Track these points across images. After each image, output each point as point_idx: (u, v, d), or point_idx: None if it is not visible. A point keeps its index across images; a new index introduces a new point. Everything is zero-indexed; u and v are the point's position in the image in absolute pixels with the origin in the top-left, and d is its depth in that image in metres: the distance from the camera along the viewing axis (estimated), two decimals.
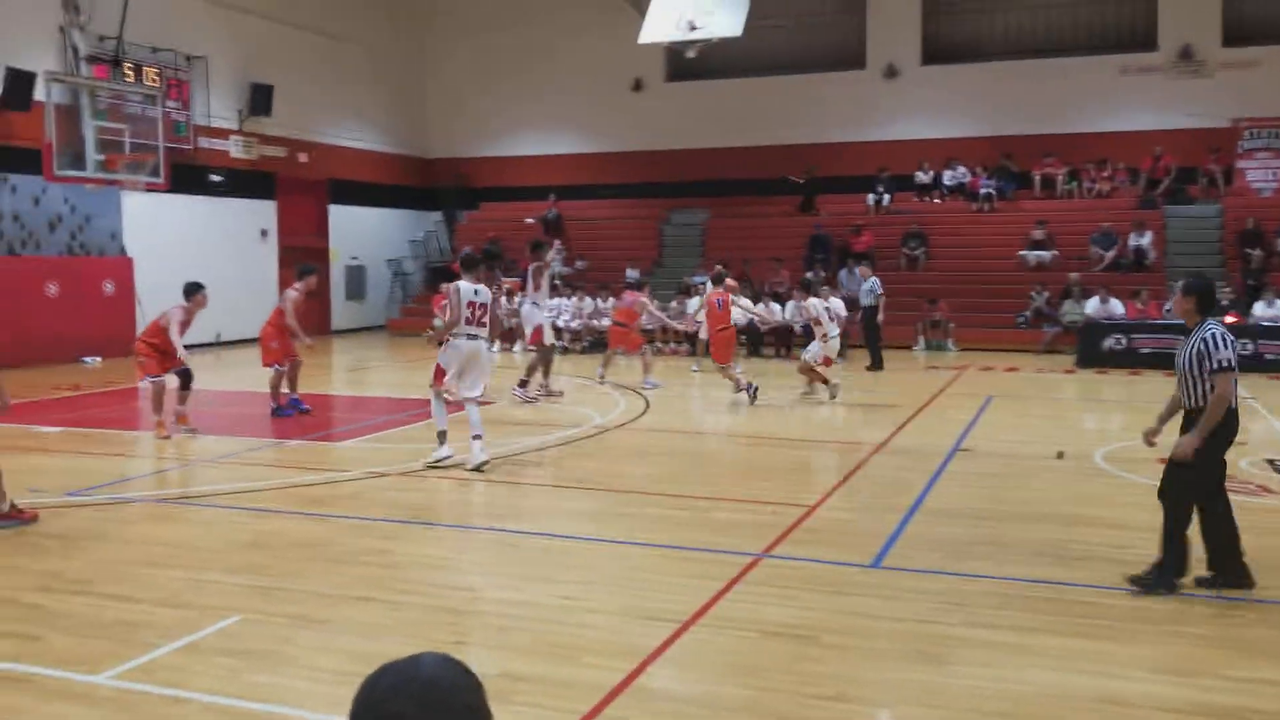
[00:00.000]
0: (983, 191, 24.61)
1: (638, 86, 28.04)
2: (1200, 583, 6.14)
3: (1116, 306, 19.71)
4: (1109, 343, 18.54)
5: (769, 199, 26.57)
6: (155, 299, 20.09)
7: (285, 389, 13.03)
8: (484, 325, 9.68)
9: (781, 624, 5.60)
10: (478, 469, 9.43)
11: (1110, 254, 22.25)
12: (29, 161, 17.73)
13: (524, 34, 28.35)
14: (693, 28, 20.34)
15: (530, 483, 9.33)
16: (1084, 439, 11.57)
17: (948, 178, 25.34)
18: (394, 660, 1.49)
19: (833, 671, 5.01)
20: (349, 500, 8.64)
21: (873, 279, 18.69)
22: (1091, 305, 19.89)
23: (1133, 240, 22.26)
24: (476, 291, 9.63)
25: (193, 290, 11.56)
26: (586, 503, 8.65)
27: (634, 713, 4.58)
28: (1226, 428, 6.02)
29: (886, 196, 25.32)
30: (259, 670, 5.01)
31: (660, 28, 20.95)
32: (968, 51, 26.07)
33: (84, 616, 5.76)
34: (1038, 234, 23.03)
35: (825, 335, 14.26)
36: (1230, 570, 6.11)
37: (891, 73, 26.01)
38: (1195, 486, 6.09)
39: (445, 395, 9.92)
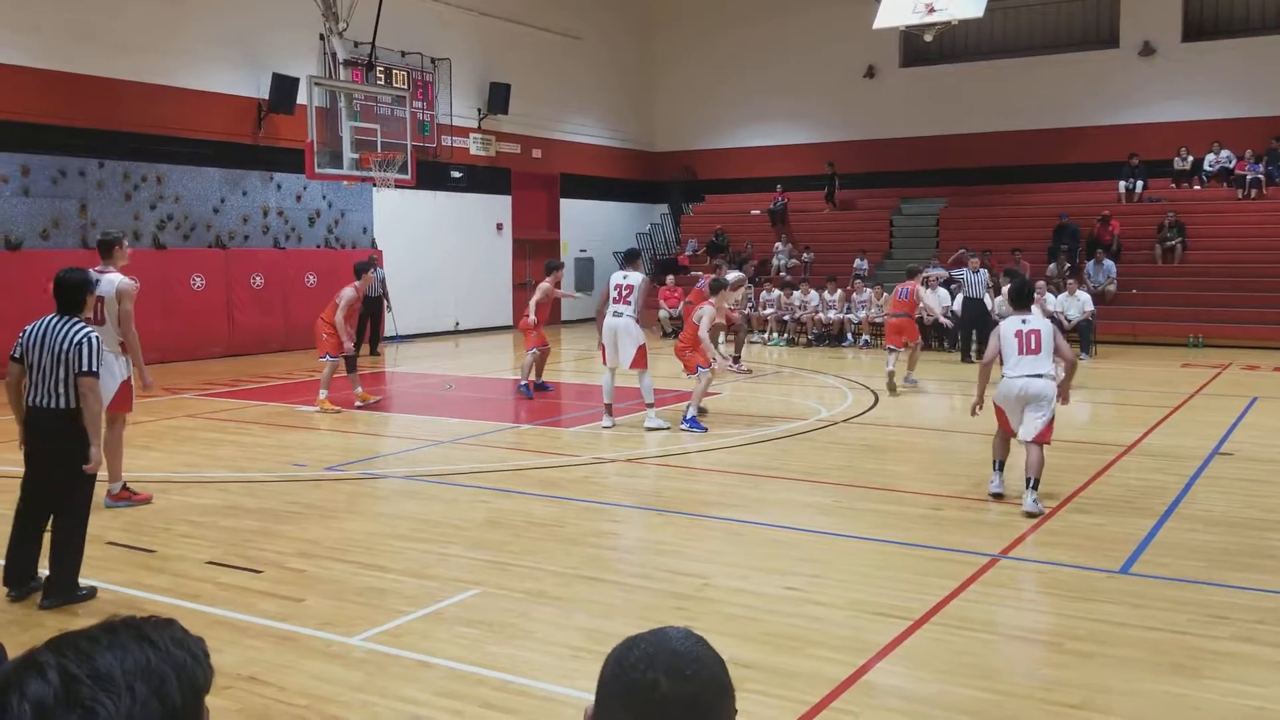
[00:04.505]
0: (1249, 177, 22.72)
1: (870, 74, 27.48)
2: None
3: None
4: None
5: (1008, 186, 25.49)
6: (399, 289, 21.36)
7: (532, 375, 13.83)
8: (628, 303, 11.25)
9: (1021, 627, 5.37)
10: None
11: None
12: (292, 161, 19.11)
13: (754, 26, 28.27)
14: (931, 10, 19.69)
15: (757, 474, 9.30)
16: None
17: (1209, 162, 23.55)
18: (639, 633, 1.50)
19: (1077, 679, 4.75)
20: (580, 484, 8.88)
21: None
22: None
23: None
24: (625, 276, 11.42)
25: (363, 269, 13.34)
26: (814, 496, 8.56)
27: (863, 708, 4.50)
28: None
29: (1140, 184, 23.79)
30: (497, 641, 5.22)
31: (896, 12, 20.38)
32: (1233, 26, 24.14)
33: (340, 582, 6.17)
34: None
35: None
36: None
37: (1148, 50, 24.41)
38: None
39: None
